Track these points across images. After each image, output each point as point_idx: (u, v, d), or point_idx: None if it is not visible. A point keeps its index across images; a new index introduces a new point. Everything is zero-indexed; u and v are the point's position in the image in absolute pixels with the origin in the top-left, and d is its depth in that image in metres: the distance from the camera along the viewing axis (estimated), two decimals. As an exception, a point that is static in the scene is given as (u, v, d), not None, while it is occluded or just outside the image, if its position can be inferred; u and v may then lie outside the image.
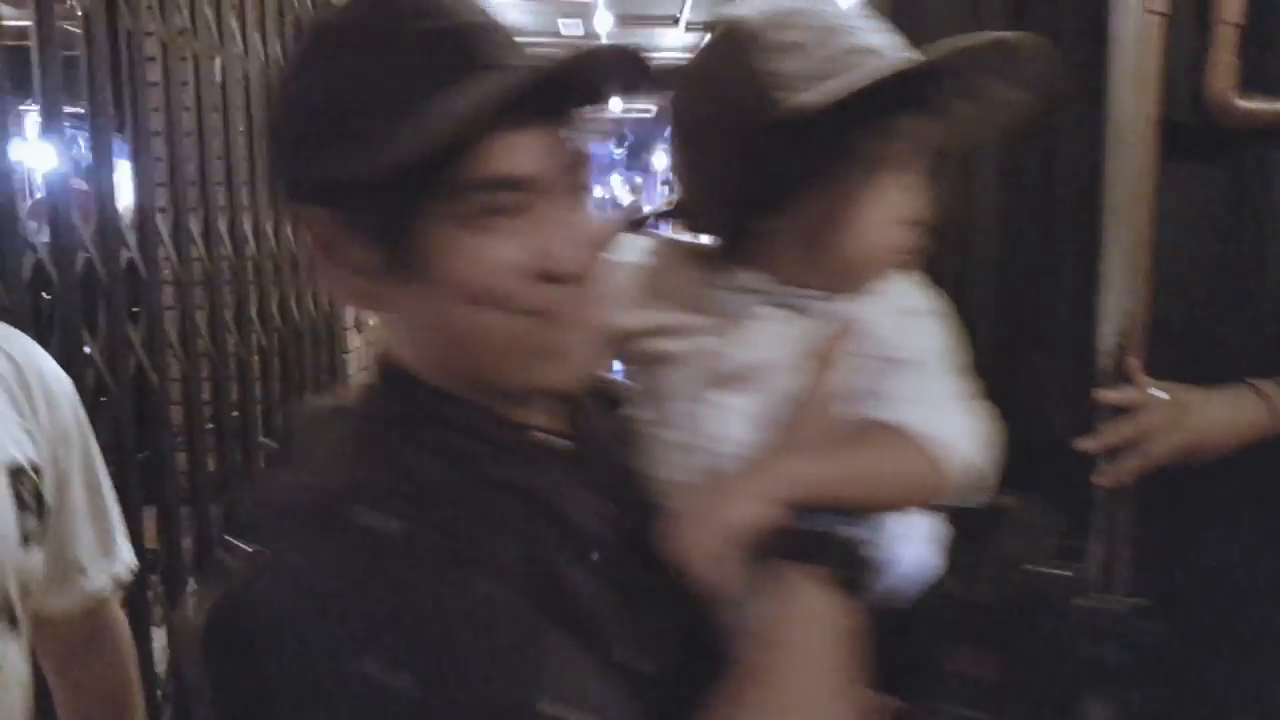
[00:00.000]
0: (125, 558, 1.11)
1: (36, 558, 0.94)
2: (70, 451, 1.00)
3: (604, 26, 5.18)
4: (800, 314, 0.75)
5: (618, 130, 12.73)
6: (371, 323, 3.83)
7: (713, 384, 0.73)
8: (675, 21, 5.64)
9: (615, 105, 8.26)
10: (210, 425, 2.29)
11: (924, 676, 0.75)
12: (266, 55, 2.92)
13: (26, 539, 0.91)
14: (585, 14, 5.31)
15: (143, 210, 1.94)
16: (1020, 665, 0.79)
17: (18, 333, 1.02)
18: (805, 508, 0.65)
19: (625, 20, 5.46)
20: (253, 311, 2.72)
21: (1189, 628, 1.13)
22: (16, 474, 0.91)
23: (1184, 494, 1.13)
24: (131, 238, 1.88)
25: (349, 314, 3.54)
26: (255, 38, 2.80)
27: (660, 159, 9.93)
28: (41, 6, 1.48)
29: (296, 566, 0.59)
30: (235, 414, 2.49)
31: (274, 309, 2.88)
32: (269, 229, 2.85)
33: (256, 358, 2.73)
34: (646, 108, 8.91)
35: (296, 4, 3.21)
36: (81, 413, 1.03)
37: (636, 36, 6.12)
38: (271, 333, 2.85)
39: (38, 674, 1.05)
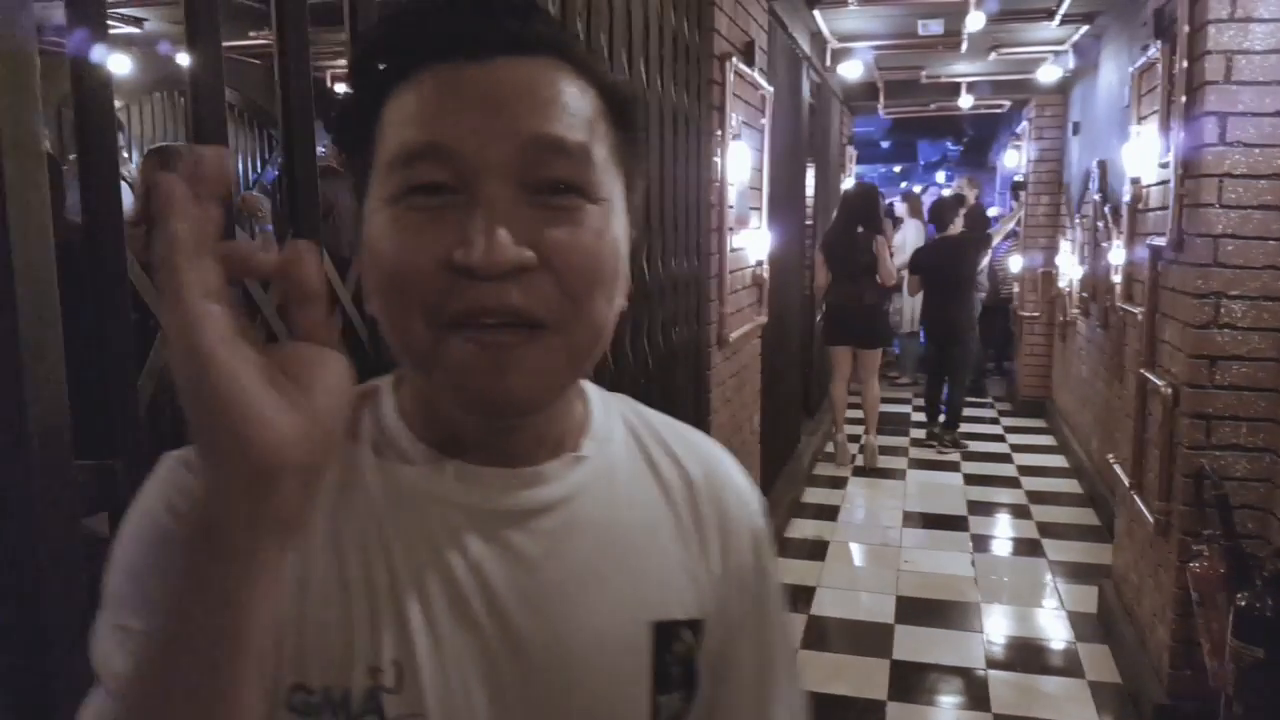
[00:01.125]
0: None
1: None
2: (743, 601, 0.73)
3: (974, 25, 4.87)
4: None
5: (956, 125, 12.09)
6: (732, 338, 3.86)
7: None
8: (1050, 15, 5.20)
9: (964, 101, 7.84)
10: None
11: None
12: (662, 92, 2.98)
13: None
14: (951, 13, 5.03)
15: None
16: None
17: (702, 437, 0.77)
18: None
19: (994, 17, 5.10)
20: (643, 336, 2.81)
21: None
22: (668, 634, 0.67)
23: None
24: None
25: (712, 334, 3.60)
26: (656, 78, 2.87)
27: (1010, 157, 9.26)
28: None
29: None
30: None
31: (659, 333, 2.97)
32: (658, 256, 2.93)
33: (642, 379, 2.82)
34: (997, 103, 8.35)
35: (690, 45, 3.27)
36: (766, 547, 0.76)
37: (1004, 34, 5.73)
38: (656, 353, 2.94)
39: None
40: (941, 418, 6.59)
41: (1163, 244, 3.05)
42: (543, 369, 0.59)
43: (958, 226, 6.54)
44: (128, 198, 3.21)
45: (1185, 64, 2.86)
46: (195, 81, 1.16)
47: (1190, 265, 2.79)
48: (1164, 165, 3.10)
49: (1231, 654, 2.43)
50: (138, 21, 4.83)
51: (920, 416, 7.04)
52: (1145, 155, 3.42)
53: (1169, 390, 2.92)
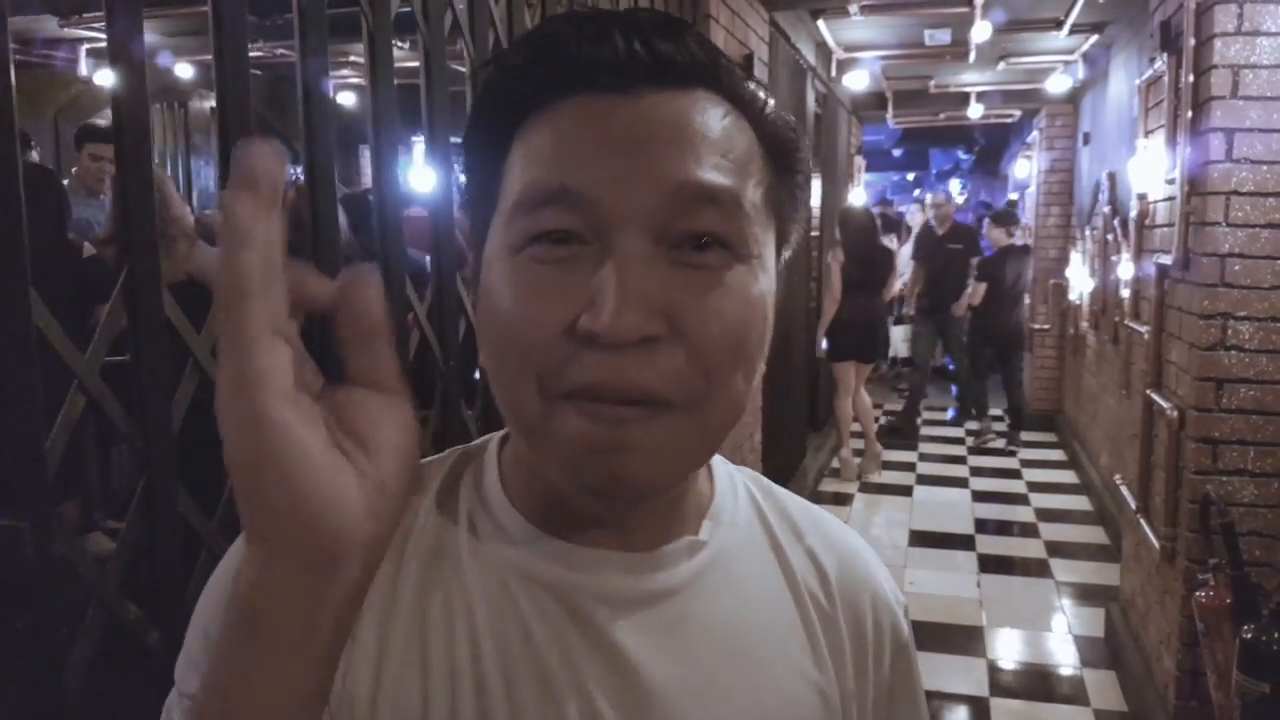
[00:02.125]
0: None
1: None
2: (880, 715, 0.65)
3: (981, 35, 4.81)
4: None
5: (967, 134, 12.02)
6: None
7: None
8: (1058, 25, 5.13)
9: (975, 111, 7.78)
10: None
11: None
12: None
13: None
14: (958, 22, 4.97)
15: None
16: None
17: (840, 525, 0.69)
18: None
19: (1001, 27, 5.03)
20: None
21: None
22: None
23: None
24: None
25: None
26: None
27: (1021, 166, 9.18)
28: (430, 51, 1.55)
29: None
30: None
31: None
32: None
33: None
34: (1007, 113, 8.28)
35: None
36: (908, 659, 0.68)
37: (1012, 44, 5.67)
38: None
39: None
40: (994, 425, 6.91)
41: (1169, 262, 2.98)
42: (667, 450, 0.52)
43: (1014, 238, 7.06)
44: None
45: (1191, 78, 2.80)
46: (222, 91, 1.15)
47: (1197, 285, 2.72)
48: (1170, 181, 3.04)
49: (1236, 688, 2.36)
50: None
51: (929, 431, 6.98)
52: (1152, 170, 3.35)
53: (1175, 413, 2.84)
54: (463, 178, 0.59)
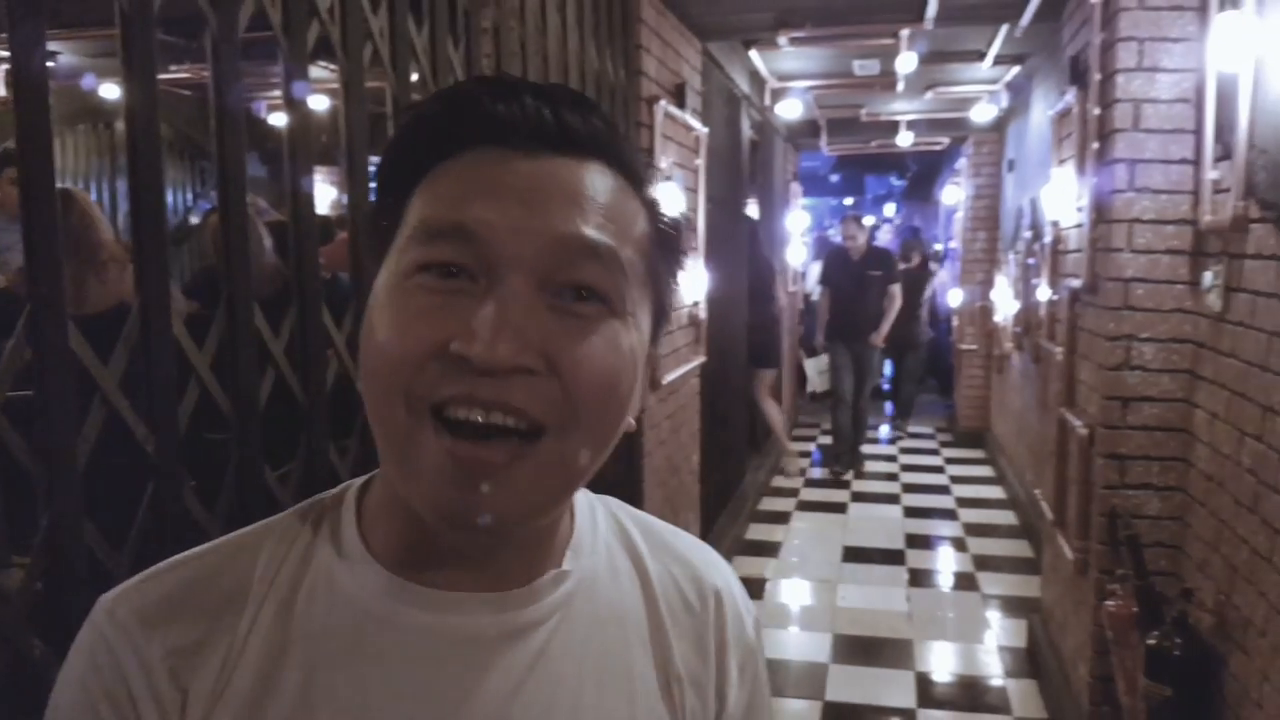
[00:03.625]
0: None
1: None
2: (734, 716, 0.70)
3: (906, 66, 4.97)
4: None
5: (900, 161, 12.31)
6: (667, 380, 3.86)
7: None
8: (981, 56, 5.33)
9: (905, 139, 7.99)
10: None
11: None
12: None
13: None
14: (885, 54, 5.13)
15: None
16: None
17: (696, 543, 0.73)
18: None
19: (927, 59, 5.21)
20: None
21: None
22: None
23: None
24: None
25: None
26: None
27: (950, 192, 9.44)
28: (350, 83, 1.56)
29: None
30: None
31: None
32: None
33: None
34: (936, 141, 8.52)
35: (616, 87, 3.29)
36: (757, 662, 0.72)
37: (939, 74, 5.85)
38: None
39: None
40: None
41: (1079, 286, 3.12)
42: (532, 486, 0.54)
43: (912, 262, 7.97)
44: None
45: (1097, 111, 2.94)
46: (131, 113, 1.14)
47: (1103, 308, 2.85)
48: (1080, 209, 3.18)
49: (1143, 693, 2.46)
50: (52, 55, 4.77)
51: (864, 448, 7.11)
52: (1064, 198, 3.50)
53: (1085, 430, 2.97)
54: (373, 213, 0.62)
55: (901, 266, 7.40)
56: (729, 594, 0.71)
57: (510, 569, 0.61)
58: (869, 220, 8.05)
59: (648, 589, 0.67)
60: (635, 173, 0.60)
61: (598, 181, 0.57)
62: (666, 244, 0.62)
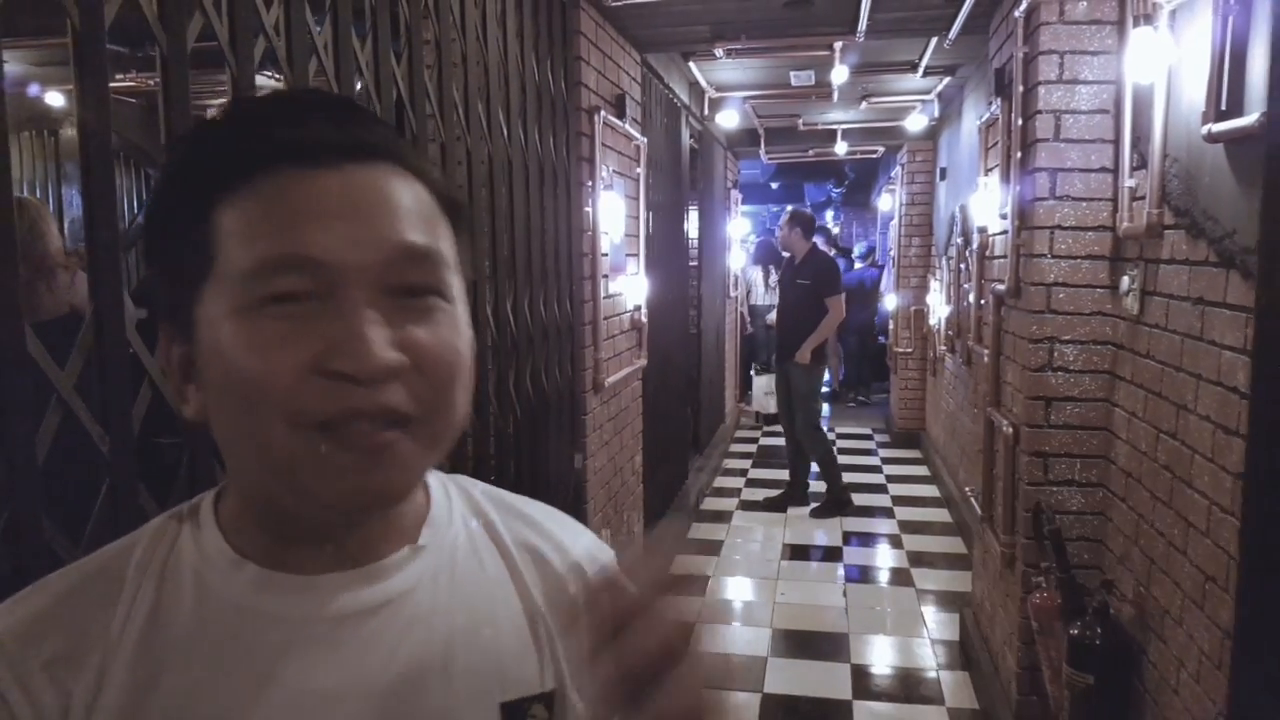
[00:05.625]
0: None
1: None
2: None
3: (839, 78, 5.10)
4: None
5: (838, 169, 12.53)
6: (609, 383, 3.92)
7: None
8: (913, 67, 5.48)
9: (841, 148, 8.16)
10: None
11: None
12: (526, 144, 3.03)
13: None
14: (819, 65, 5.26)
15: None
16: None
17: (546, 508, 0.78)
18: None
19: (860, 69, 5.36)
20: (510, 383, 2.83)
21: None
22: (519, 713, 0.67)
23: None
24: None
25: (588, 379, 3.65)
26: (518, 130, 2.92)
27: (885, 200, 9.65)
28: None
29: None
30: (493, 478, 2.59)
31: (528, 380, 2.99)
32: (525, 305, 2.96)
33: (510, 428, 2.84)
34: (871, 149, 8.71)
35: (556, 98, 3.33)
36: None
37: (873, 84, 6.01)
38: (525, 401, 2.96)
39: None
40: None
41: (1004, 290, 3.24)
42: (411, 461, 0.60)
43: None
44: None
45: (1020, 121, 3.06)
46: (84, 126, 1.15)
47: (1027, 311, 2.97)
48: (1004, 216, 3.31)
49: (1067, 681, 2.58)
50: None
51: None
52: (990, 205, 3.64)
53: (1010, 429, 3.09)
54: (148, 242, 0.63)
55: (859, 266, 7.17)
56: (583, 549, 0.75)
57: (375, 546, 0.66)
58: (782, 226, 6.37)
59: (503, 550, 0.72)
60: (419, 167, 0.64)
61: (400, 186, 0.61)
62: (459, 221, 0.66)
